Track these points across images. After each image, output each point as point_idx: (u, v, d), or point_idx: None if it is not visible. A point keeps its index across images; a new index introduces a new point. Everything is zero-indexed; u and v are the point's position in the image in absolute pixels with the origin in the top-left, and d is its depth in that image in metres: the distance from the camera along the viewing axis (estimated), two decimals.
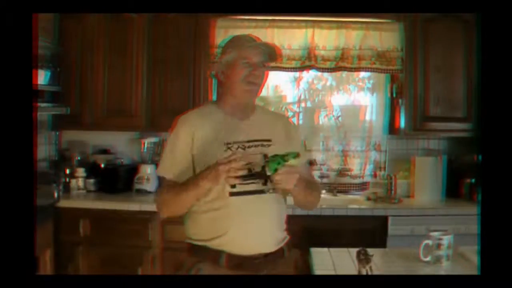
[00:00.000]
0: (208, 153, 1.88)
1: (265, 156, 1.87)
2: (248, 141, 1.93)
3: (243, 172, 1.77)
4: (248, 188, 1.86)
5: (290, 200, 2.02)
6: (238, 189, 1.85)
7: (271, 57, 1.98)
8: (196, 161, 1.92)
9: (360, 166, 3.93)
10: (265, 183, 1.87)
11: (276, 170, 1.77)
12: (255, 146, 1.93)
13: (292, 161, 1.79)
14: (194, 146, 1.92)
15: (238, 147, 1.90)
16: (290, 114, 3.98)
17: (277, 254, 1.92)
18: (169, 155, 1.97)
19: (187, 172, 1.92)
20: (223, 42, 2.06)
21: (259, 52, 1.94)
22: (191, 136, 1.93)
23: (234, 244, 1.86)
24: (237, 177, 1.75)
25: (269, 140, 1.96)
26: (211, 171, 1.77)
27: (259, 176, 1.84)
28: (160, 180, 2.04)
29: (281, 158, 1.78)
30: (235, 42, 1.99)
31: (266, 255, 1.89)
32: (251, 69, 1.93)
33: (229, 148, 1.89)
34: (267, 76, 2.01)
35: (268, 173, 1.79)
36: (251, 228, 1.86)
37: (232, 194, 1.86)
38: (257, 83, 1.96)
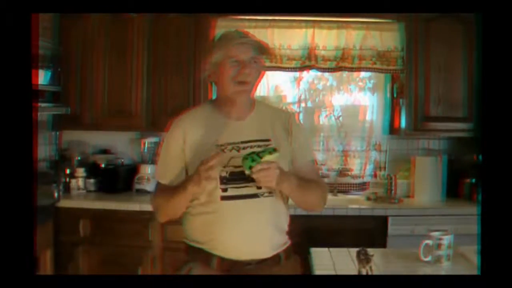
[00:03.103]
0: (200, 155, 1.80)
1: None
2: (243, 142, 1.86)
3: (223, 171, 1.74)
4: (241, 192, 1.81)
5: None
6: (230, 193, 1.81)
7: (261, 51, 1.89)
8: (188, 164, 1.88)
9: (360, 166, 3.93)
10: (259, 187, 1.81)
11: (250, 167, 1.69)
12: (251, 147, 1.86)
13: (268, 157, 1.70)
14: (186, 149, 1.88)
15: (232, 148, 1.84)
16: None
17: (272, 261, 1.87)
18: (163, 158, 1.95)
19: (181, 175, 1.89)
20: (213, 41, 1.96)
21: (246, 48, 1.85)
22: (182, 138, 1.89)
23: (225, 248, 1.83)
24: (218, 177, 1.71)
25: (267, 140, 1.89)
26: (195, 173, 1.74)
27: (252, 179, 1.76)
28: (156, 183, 2.01)
29: (256, 155, 1.70)
30: (222, 40, 1.88)
31: (260, 261, 1.84)
32: (239, 68, 1.84)
33: (222, 150, 1.83)
34: (262, 72, 1.92)
35: (246, 172, 1.72)
36: (242, 233, 1.82)
37: (223, 198, 1.82)
38: (248, 81, 1.86)
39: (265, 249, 1.86)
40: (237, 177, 1.80)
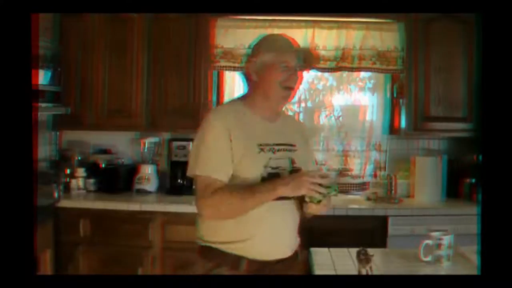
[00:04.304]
0: (244, 153, 1.82)
1: (292, 161, 1.89)
2: (277, 144, 1.89)
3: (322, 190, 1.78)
4: None
5: None
6: None
7: (308, 61, 1.96)
8: (233, 161, 1.83)
9: (360, 166, 3.92)
10: None
11: (319, 202, 1.80)
12: (283, 150, 1.90)
13: (333, 194, 1.81)
14: (233, 146, 1.83)
15: (270, 149, 1.87)
16: (290, 114, 3.97)
17: (293, 258, 1.92)
18: (210, 152, 1.83)
19: (231, 170, 1.83)
20: (255, 41, 1.99)
21: (297, 56, 1.91)
22: (228, 134, 1.83)
23: (257, 249, 1.83)
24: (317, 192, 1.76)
25: (293, 145, 1.94)
26: (292, 179, 1.77)
27: None
28: (199, 180, 1.85)
29: (326, 193, 1.78)
30: (273, 44, 1.94)
31: (283, 260, 1.88)
32: (290, 73, 1.88)
33: (262, 150, 1.85)
34: (301, 81, 1.97)
35: (313, 201, 1.81)
36: (274, 233, 1.85)
37: None
38: (294, 87, 1.92)
39: (290, 248, 1.92)
40: (275, 179, 1.84)
